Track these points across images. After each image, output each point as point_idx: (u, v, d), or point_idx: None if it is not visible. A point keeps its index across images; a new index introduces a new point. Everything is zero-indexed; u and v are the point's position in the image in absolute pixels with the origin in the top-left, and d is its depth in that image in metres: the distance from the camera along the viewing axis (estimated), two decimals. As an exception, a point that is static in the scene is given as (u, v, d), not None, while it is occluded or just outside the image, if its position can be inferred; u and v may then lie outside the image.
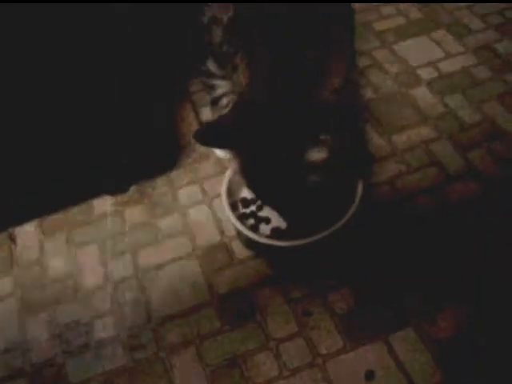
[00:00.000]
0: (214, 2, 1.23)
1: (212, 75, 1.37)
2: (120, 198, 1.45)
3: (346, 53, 1.14)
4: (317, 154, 1.08)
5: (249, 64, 1.13)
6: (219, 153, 1.49)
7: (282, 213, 1.24)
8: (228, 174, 1.34)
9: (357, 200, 1.23)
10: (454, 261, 1.23)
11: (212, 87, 1.42)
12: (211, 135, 1.15)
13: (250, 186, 1.18)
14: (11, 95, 1.21)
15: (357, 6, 1.82)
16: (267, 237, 1.25)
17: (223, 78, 1.35)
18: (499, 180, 1.36)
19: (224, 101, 1.44)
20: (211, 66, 1.34)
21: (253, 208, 1.34)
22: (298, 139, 1.07)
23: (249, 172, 1.15)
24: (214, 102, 1.46)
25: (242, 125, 1.10)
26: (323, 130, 1.08)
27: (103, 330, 1.23)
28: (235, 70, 1.17)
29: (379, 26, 1.80)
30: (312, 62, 1.08)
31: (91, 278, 1.32)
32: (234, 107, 1.15)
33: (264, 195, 1.20)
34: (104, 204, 1.45)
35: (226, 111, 1.43)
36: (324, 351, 1.14)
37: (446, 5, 1.84)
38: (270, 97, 1.08)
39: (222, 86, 1.40)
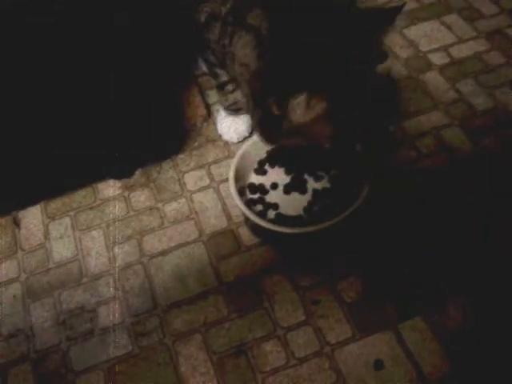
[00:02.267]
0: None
1: (213, 64, 1.36)
2: (125, 182, 1.43)
3: None
4: None
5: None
6: (226, 137, 1.47)
7: None
8: (235, 159, 1.32)
9: (365, 190, 1.21)
10: (464, 250, 1.21)
11: (215, 74, 1.40)
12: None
13: None
14: (16, 80, 1.19)
15: (367, -11, 1.81)
16: (275, 223, 1.23)
17: (223, 66, 1.34)
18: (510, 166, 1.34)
19: (230, 87, 1.42)
20: (211, 58, 1.33)
21: (260, 194, 1.32)
22: None
23: None
24: (221, 87, 1.44)
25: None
26: None
27: (108, 316, 1.22)
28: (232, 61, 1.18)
29: (390, 9, 1.77)
30: None
31: (96, 263, 1.30)
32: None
33: None
34: (109, 188, 1.43)
35: (233, 96, 1.42)
36: (332, 340, 1.13)
37: (458, -12, 1.81)
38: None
39: (224, 74, 1.38)
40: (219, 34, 1.22)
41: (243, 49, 1.16)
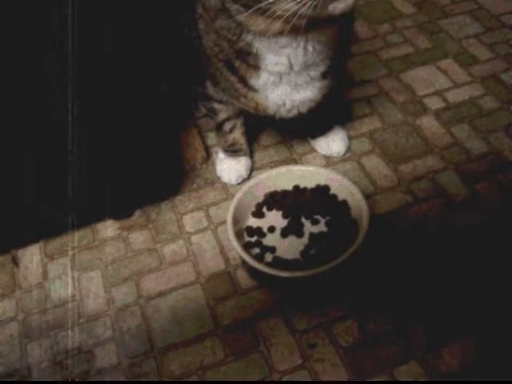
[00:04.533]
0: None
1: (210, 98, 1.37)
2: (124, 222, 1.44)
3: None
4: None
5: None
6: (225, 179, 1.48)
7: None
8: (233, 201, 1.33)
9: (362, 234, 1.23)
10: (460, 293, 1.22)
11: (213, 111, 1.42)
12: None
13: None
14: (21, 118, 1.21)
15: (363, 34, 1.85)
16: (272, 267, 1.24)
17: (220, 102, 1.35)
18: (506, 211, 1.35)
19: (227, 125, 1.44)
20: (209, 87, 1.33)
21: (258, 237, 1.33)
22: None
23: None
24: (219, 128, 1.46)
25: None
26: None
27: (105, 357, 1.21)
28: None
29: (386, 54, 1.80)
30: None
31: (94, 303, 1.30)
32: None
33: None
34: (108, 228, 1.44)
35: (231, 136, 1.44)
36: (328, 384, 1.13)
37: (453, 34, 1.85)
38: None
39: (222, 110, 1.40)
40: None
41: None
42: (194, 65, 1.32)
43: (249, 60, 1.19)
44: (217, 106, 1.39)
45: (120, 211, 1.45)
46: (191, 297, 1.28)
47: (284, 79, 1.21)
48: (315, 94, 1.27)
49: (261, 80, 1.22)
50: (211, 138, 1.60)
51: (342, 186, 1.35)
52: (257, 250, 1.30)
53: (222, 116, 1.42)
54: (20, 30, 1.08)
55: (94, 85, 1.20)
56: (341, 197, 1.35)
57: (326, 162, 1.51)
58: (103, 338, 1.25)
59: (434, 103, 1.63)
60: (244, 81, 1.23)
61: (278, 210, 1.37)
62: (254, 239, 1.32)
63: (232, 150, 1.47)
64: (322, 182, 1.38)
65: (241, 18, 1.09)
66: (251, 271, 1.29)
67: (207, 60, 1.25)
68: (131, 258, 1.37)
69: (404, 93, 1.68)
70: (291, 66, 1.18)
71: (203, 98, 1.40)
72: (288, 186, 1.40)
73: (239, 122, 1.44)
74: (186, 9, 1.26)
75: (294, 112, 1.30)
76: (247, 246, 1.29)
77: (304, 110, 1.30)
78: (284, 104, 1.27)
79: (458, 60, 1.76)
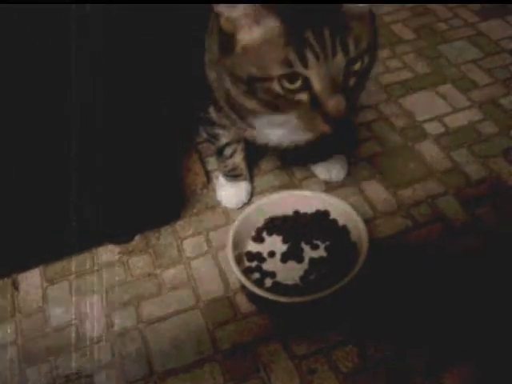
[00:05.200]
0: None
1: (213, 123, 1.37)
2: (124, 247, 1.45)
3: None
4: None
5: None
6: (225, 204, 1.49)
7: None
8: (233, 226, 1.34)
9: (361, 259, 1.23)
10: (459, 318, 1.22)
11: (215, 137, 1.42)
12: None
13: None
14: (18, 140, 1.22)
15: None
16: (272, 292, 1.24)
17: (224, 127, 1.35)
18: (505, 236, 1.36)
19: (228, 150, 1.44)
20: (212, 113, 1.33)
21: (258, 262, 1.33)
22: None
23: None
24: (219, 153, 1.46)
25: None
26: None
27: (104, 382, 1.21)
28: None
29: (386, 79, 1.82)
30: None
31: (93, 328, 1.30)
32: None
33: None
34: (108, 253, 1.44)
35: (232, 161, 1.44)
36: (328, 411, 1.13)
37: (452, 59, 1.86)
38: None
39: (224, 136, 1.40)
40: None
41: None
42: (198, 90, 1.32)
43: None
44: (219, 131, 1.39)
45: (120, 236, 1.45)
46: (191, 321, 1.28)
47: (282, 126, 1.18)
48: (316, 135, 1.22)
49: (258, 123, 1.21)
50: (212, 163, 1.60)
51: (342, 211, 1.36)
52: (257, 275, 1.30)
53: (223, 141, 1.42)
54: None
55: (95, 110, 1.21)
56: (341, 222, 1.36)
57: (326, 187, 1.51)
58: (103, 362, 1.24)
59: (434, 128, 1.64)
60: (243, 119, 1.23)
61: (278, 234, 1.37)
62: (253, 264, 1.32)
63: (232, 175, 1.48)
64: (322, 207, 1.38)
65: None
66: (251, 296, 1.29)
67: (210, 88, 1.26)
68: (131, 282, 1.37)
69: (403, 118, 1.68)
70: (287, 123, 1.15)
71: (205, 123, 1.40)
72: (288, 211, 1.40)
73: (240, 147, 1.44)
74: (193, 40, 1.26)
75: (293, 145, 1.29)
76: (247, 271, 1.29)
77: (303, 143, 1.29)
78: (283, 142, 1.27)
79: (457, 85, 1.77)
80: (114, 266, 1.41)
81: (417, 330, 1.21)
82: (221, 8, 0.97)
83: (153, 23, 1.22)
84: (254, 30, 0.98)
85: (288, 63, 0.96)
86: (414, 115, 1.69)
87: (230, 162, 1.46)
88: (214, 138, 1.43)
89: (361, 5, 1.00)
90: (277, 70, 0.97)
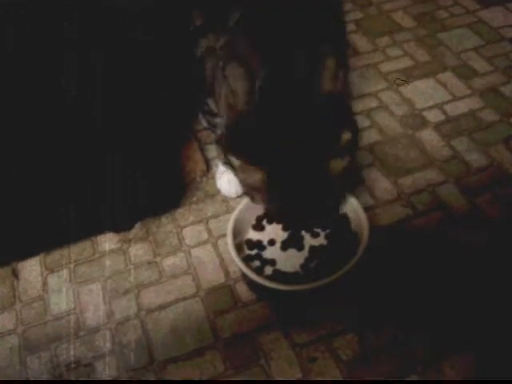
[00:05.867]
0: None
1: (214, 114, 1.37)
2: (124, 235, 1.44)
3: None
4: (339, 161, 1.10)
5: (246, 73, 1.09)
6: (225, 192, 1.48)
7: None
8: (234, 214, 1.33)
9: (361, 247, 1.23)
10: (460, 306, 1.22)
11: (216, 126, 1.41)
12: (234, 141, 1.15)
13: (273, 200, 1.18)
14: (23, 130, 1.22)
15: (363, 47, 1.85)
16: (272, 280, 1.24)
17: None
18: (505, 225, 1.35)
19: None
20: (211, 104, 1.34)
21: (258, 250, 1.33)
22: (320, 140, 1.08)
23: (273, 185, 1.13)
24: (219, 141, 1.45)
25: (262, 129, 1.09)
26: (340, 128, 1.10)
27: (104, 370, 1.21)
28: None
29: (385, 67, 1.81)
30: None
31: (93, 316, 1.30)
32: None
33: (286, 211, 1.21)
34: (108, 241, 1.44)
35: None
36: (328, 399, 1.13)
37: (452, 47, 1.86)
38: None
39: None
40: (212, 69, 1.23)
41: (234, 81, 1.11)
42: (200, 83, 1.32)
43: None
44: (219, 120, 1.38)
45: (120, 224, 1.45)
46: (191, 310, 1.28)
47: None
48: None
49: None
50: (211, 151, 1.60)
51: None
52: (257, 263, 1.29)
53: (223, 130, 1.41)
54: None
55: (96, 96, 1.21)
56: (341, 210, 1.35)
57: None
58: (103, 350, 1.24)
59: (434, 116, 1.64)
60: None
61: (277, 222, 1.37)
62: (254, 252, 1.32)
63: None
64: (323, 195, 1.38)
65: None
66: (251, 284, 1.29)
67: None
68: (131, 270, 1.37)
69: (404, 106, 1.68)
70: None
71: (207, 113, 1.41)
72: (288, 198, 1.39)
73: None
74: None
75: None
76: (247, 259, 1.29)
77: None
78: None
79: (457, 73, 1.77)
80: (114, 254, 1.41)
81: (417, 319, 1.21)
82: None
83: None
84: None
85: None
86: (414, 103, 1.69)
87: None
88: (214, 127, 1.42)
89: None
90: None
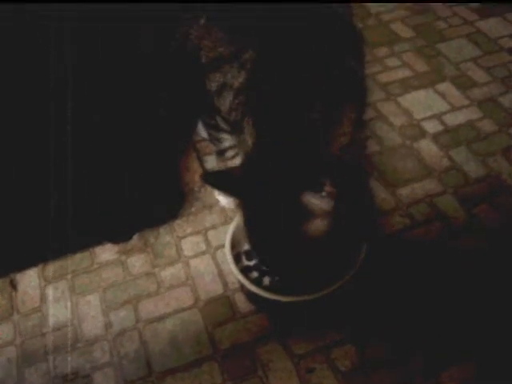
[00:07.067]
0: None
1: (220, 129, 1.37)
2: (123, 246, 1.44)
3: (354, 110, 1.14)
4: (321, 204, 1.08)
5: (255, 125, 1.13)
6: (223, 202, 1.48)
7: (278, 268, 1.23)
8: (232, 225, 1.33)
9: (360, 258, 1.22)
10: (459, 317, 1.22)
11: (219, 140, 1.42)
12: (220, 180, 1.16)
13: (251, 239, 1.18)
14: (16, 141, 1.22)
15: (362, 57, 1.85)
16: (270, 291, 1.24)
17: (230, 132, 1.35)
18: (504, 235, 1.35)
19: (230, 153, 1.44)
20: (220, 122, 1.33)
21: (256, 261, 1.32)
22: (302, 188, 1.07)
23: (251, 223, 1.14)
24: (221, 153, 1.46)
25: (249, 179, 1.10)
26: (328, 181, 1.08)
27: (102, 382, 1.21)
28: (242, 132, 1.18)
29: (384, 77, 1.81)
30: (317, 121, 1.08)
31: (92, 327, 1.30)
32: (243, 164, 1.16)
33: (264, 250, 1.19)
34: (106, 252, 1.44)
35: (232, 163, 1.44)
36: (326, 410, 1.12)
37: (451, 57, 1.86)
38: (275, 157, 1.08)
39: (228, 140, 1.40)
40: (230, 106, 1.23)
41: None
42: (205, 99, 1.33)
43: None
44: (224, 135, 1.39)
45: (118, 235, 1.45)
46: (189, 321, 1.28)
47: None
48: None
49: None
50: (210, 162, 1.60)
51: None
52: (255, 274, 1.29)
53: (226, 144, 1.42)
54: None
55: (94, 108, 1.21)
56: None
57: (325, 186, 1.51)
58: (101, 362, 1.24)
59: (432, 126, 1.64)
60: None
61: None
62: (252, 263, 1.32)
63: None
64: (321, 206, 1.38)
65: None
66: (249, 295, 1.28)
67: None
68: (129, 281, 1.37)
69: (402, 116, 1.68)
70: None
71: (211, 128, 1.41)
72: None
73: None
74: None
75: None
76: (245, 270, 1.29)
77: None
78: None
79: (455, 83, 1.77)
80: (112, 266, 1.41)
81: (416, 329, 1.21)
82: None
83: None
84: None
85: None
86: (412, 114, 1.69)
87: (230, 164, 1.46)
88: (217, 140, 1.43)
89: None
90: None
